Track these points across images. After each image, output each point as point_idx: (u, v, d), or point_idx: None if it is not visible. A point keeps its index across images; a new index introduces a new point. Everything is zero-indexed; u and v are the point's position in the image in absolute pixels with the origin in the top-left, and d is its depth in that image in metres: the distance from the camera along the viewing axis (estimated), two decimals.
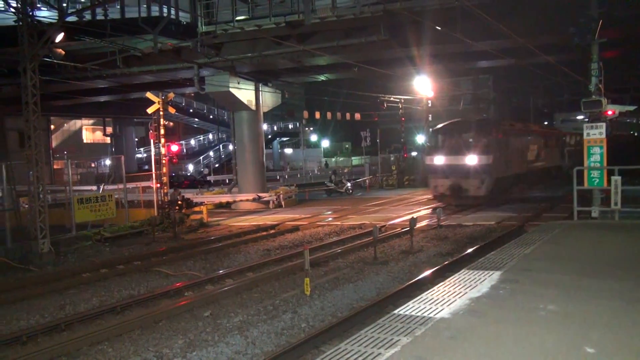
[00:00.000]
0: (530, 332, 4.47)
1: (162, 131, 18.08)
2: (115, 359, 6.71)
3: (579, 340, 4.28)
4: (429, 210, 18.74)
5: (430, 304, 5.37)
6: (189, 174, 40.52)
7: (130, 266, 12.00)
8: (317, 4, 15.47)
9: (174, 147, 18.66)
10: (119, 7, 17.47)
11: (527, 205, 19.33)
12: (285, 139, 58.89)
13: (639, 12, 13.99)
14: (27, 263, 12.37)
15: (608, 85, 13.68)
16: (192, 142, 50.93)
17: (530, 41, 15.41)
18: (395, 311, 5.26)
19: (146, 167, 39.45)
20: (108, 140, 44.40)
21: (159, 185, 17.95)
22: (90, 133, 47.51)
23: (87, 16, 15.30)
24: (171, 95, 19.21)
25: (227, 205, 22.74)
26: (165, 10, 17.40)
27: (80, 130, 46.12)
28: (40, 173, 13.05)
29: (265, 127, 34.74)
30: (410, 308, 5.28)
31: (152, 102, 17.99)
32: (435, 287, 6.07)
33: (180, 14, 18.12)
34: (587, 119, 13.75)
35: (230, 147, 33.70)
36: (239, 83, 21.40)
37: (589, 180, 12.44)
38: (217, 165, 45.66)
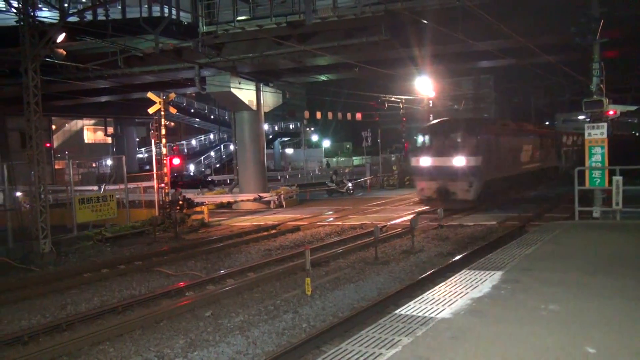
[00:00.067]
0: (532, 332, 4.46)
1: (163, 131, 18.10)
2: (117, 359, 6.71)
3: (580, 340, 4.28)
4: (430, 211, 18.71)
5: (432, 304, 5.37)
6: (192, 174, 40.54)
7: (131, 266, 12.01)
8: (318, 4, 15.47)
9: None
10: (120, 7, 17.50)
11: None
12: (286, 139, 58.91)
13: None
14: (29, 263, 12.38)
15: (609, 85, 13.66)
16: (193, 142, 50.97)
17: (531, 41, 15.40)
18: (397, 311, 5.26)
19: (147, 167, 39.47)
20: (109, 140, 44.44)
21: (163, 184, 17.98)
22: (92, 133, 47.56)
23: (89, 16, 15.31)
24: (172, 95, 19.23)
25: (228, 205, 22.74)
26: (166, 10, 17.41)
27: (81, 131, 46.17)
28: (42, 173, 13.06)
29: (266, 127, 34.74)
30: (412, 308, 5.28)
31: (153, 102, 18.01)
32: (436, 287, 6.07)
33: (182, 14, 18.13)
34: (588, 119, 13.74)
35: (231, 147, 33.70)
36: (240, 83, 21.41)
37: (590, 181, 12.42)
38: (218, 166, 45.69)
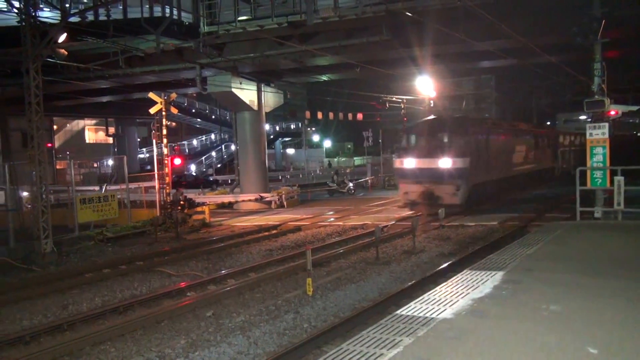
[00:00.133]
0: (533, 333, 4.46)
1: (164, 131, 18.11)
2: (118, 359, 6.72)
3: (581, 340, 4.27)
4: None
5: (433, 304, 5.36)
6: (194, 174, 40.56)
7: (132, 266, 12.02)
8: (320, 4, 15.46)
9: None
10: (121, 7, 17.49)
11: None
12: (287, 139, 58.91)
13: None
14: (30, 263, 12.39)
15: (611, 85, 13.64)
16: (195, 142, 51.01)
17: (533, 41, 15.38)
18: (398, 311, 5.26)
19: (148, 167, 39.51)
20: (110, 140, 44.49)
21: (166, 184, 18.01)
22: (93, 133, 47.62)
23: (90, 17, 15.29)
24: (173, 95, 19.25)
25: (229, 205, 22.76)
26: (167, 10, 17.40)
27: (82, 131, 46.23)
28: (43, 173, 13.08)
29: (267, 127, 34.74)
30: (413, 308, 5.28)
31: (155, 103, 18.02)
32: (437, 288, 6.07)
33: (183, 14, 18.10)
34: (589, 119, 13.73)
35: (233, 147, 33.70)
36: (241, 83, 21.41)
37: (591, 181, 12.41)
38: (219, 166, 45.73)
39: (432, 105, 31.08)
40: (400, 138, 19.81)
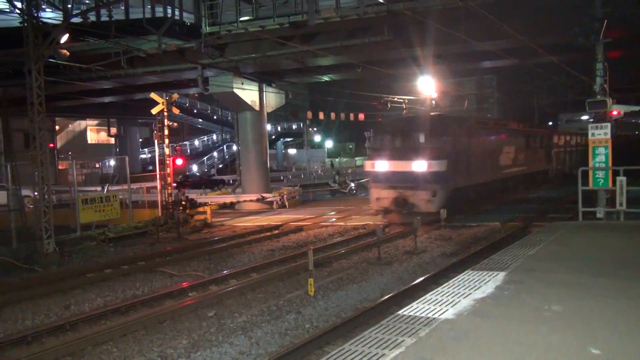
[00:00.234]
0: (535, 333, 4.45)
1: (166, 132, 18.12)
2: (120, 359, 6.73)
3: (583, 340, 4.27)
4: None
5: (435, 304, 5.36)
6: (199, 174, 40.64)
7: (134, 266, 12.03)
8: (321, 5, 15.46)
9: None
10: (123, 8, 17.51)
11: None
12: (288, 139, 58.91)
13: None
14: (32, 263, 12.41)
15: (613, 85, 13.62)
16: (196, 142, 51.07)
17: (534, 41, 15.37)
18: (400, 312, 5.26)
19: (150, 167, 39.57)
20: (112, 140, 44.58)
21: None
22: (95, 134, 47.69)
23: (92, 17, 15.32)
24: (175, 95, 19.27)
25: (231, 205, 22.77)
26: (169, 11, 17.42)
27: (84, 131, 46.30)
28: (45, 173, 13.10)
29: (268, 127, 34.74)
30: (415, 309, 5.28)
31: (156, 103, 18.04)
32: (439, 288, 6.07)
33: (184, 14, 18.11)
34: (592, 119, 13.71)
35: (234, 147, 33.74)
36: (242, 84, 21.43)
37: (593, 181, 12.40)
38: (220, 166, 45.77)
39: (433, 105, 31.05)
40: (373, 137, 18.44)
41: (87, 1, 20.75)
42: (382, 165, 16.11)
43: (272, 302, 8.64)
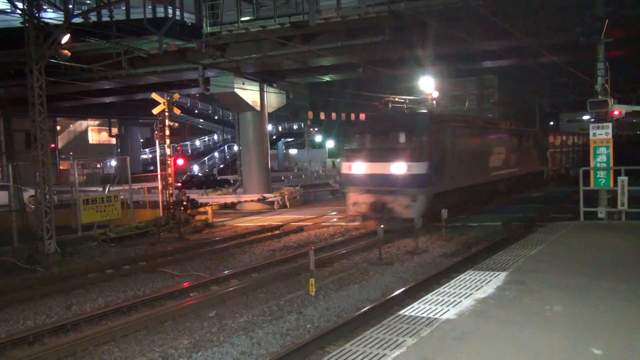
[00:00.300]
0: (537, 333, 4.45)
1: (167, 132, 18.14)
2: (121, 359, 6.73)
3: (585, 341, 4.26)
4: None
5: (436, 304, 5.36)
6: (204, 174, 40.71)
7: (135, 266, 12.03)
8: (322, 5, 15.47)
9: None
10: (124, 8, 17.55)
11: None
12: (289, 139, 58.89)
13: None
14: (34, 263, 12.42)
15: (614, 85, 13.60)
16: (197, 142, 51.10)
17: (536, 41, 15.36)
18: (401, 312, 5.26)
19: (151, 167, 39.61)
20: (113, 141, 44.63)
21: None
22: (96, 134, 47.74)
23: (93, 17, 15.37)
24: (176, 96, 19.28)
25: (232, 205, 22.77)
26: (170, 11, 17.45)
27: (86, 131, 46.36)
28: (47, 174, 13.11)
29: (269, 127, 34.74)
30: (416, 309, 5.28)
31: (158, 103, 18.05)
32: (440, 288, 6.07)
33: (185, 15, 18.15)
34: (593, 119, 13.69)
35: (235, 147, 33.72)
36: (243, 84, 21.43)
37: (595, 181, 12.39)
38: (221, 166, 45.79)
39: (434, 105, 31.04)
40: (349, 137, 17.20)
41: (88, 1, 20.79)
42: (358, 168, 14.93)
43: (273, 302, 8.64)
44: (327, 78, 23.87)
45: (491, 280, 6.19)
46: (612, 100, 12.55)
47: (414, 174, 13.90)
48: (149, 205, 19.80)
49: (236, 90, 21.15)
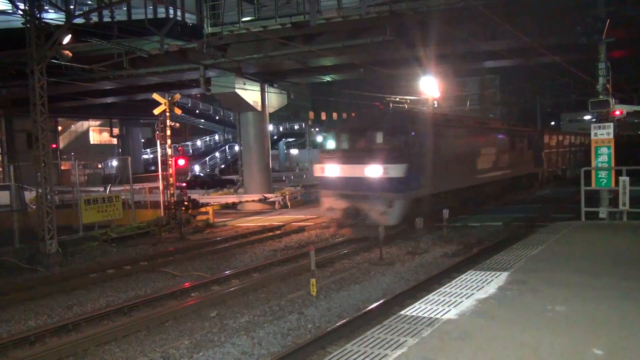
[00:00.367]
0: (538, 334, 4.44)
1: (168, 132, 18.15)
2: (123, 359, 6.74)
3: (587, 341, 4.25)
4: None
5: (437, 304, 5.35)
6: (209, 174, 40.74)
7: (137, 267, 12.04)
8: (323, 5, 15.46)
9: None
10: (125, 8, 17.57)
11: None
12: (291, 139, 58.90)
13: None
14: (35, 263, 12.44)
15: (616, 85, 13.59)
16: (199, 142, 51.14)
17: (537, 41, 15.34)
18: (402, 312, 5.26)
19: (152, 168, 39.64)
20: (115, 141, 44.66)
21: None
22: (97, 134, 47.81)
23: (94, 18, 15.38)
24: (177, 96, 19.29)
25: (233, 206, 22.78)
26: (171, 11, 17.47)
27: (87, 132, 46.42)
28: (48, 174, 13.13)
29: (270, 127, 34.75)
30: (417, 309, 5.27)
31: (159, 103, 18.06)
32: (441, 288, 6.06)
33: (187, 15, 18.19)
34: (594, 119, 13.68)
35: (236, 148, 33.75)
36: (244, 84, 21.45)
37: (596, 181, 12.37)
38: (222, 166, 45.80)
39: (435, 105, 31.02)
40: (324, 137, 16.51)
41: (89, 2, 20.80)
42: (332, 170, 13.92)
43: (275, 302, 8.63)
44: (328, 78, 23.87)
45: (492, 280, 6.18)
46: (614, 100, 12.53)
47: (391, 177, 12.85)
48: (150, 205, 19.81)
49: (237, 91, 21.16)
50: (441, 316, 4.96)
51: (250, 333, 7.17)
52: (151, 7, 17.62)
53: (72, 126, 45.14)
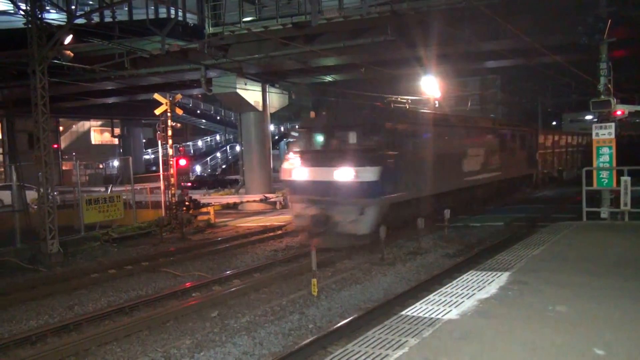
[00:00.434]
0: (539, 334, 4.44)
1: (169, 132, 18.16)
2: (124, 359, 6.74)
3: (588, 341, 4.25)
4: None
5: (438, 305, 5.35)
6: (213, 174, 40.75)
7: (138, 267, 12.05)
8: (324, 5, 15.46)
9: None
10: (126, 9, 17.58)
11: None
12: (292, 139, 58.86)
13: None
14: (36, 263, 12.45)
15: (617, 84, 13.57)
16: (200, 143, 51.15)
17: (538, 41, 15.32)
18: (403, 312, 5.26)
19: (154, 168, 39.66)
20: (116, 141, 44.69)
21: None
22: (99, 134, 47.85)
23: (96, 18, 15.40)
24: (178, 96, 19.31)
25: (234, 206, 22.77)
26: (172, 11, 17.49)
27: (88, 132, 46.47)
28: (50, 174, 13.14)
29: (272, 128, 34.69)
30: (418, 309, 5.27)
31: (160, 104, 18.08)
32: (443, 288, 6.06)
33: (188, 15, 18.19)
34: (596, 119, 13.67)
35: (237, 148, 33.75)
36: (245, 84, 21.45)
37: (597, 181, 12.36)
38: (224, 166, 45.80)
39: (437, 105, 30.99)
40: (292, 137, 14.84)
41: (90, 2, 20.82)
42: (300, 173, 12.67)
43: (276, 303, 8.64)
44: (329, 78, 23.86)
45: (494, 280, 6.18)
46: (615, 100, 12.52)
47: (363, 181, 11.55)
48: (152, 205, 19.83)
49: (238, 91, 21.17)
50: (442, 316, 4.96)
51: (251, 333, 7.17)
52: (152, 7, 17.64)
53: (74, 126, 45.19)
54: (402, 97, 27.38)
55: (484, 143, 17.97)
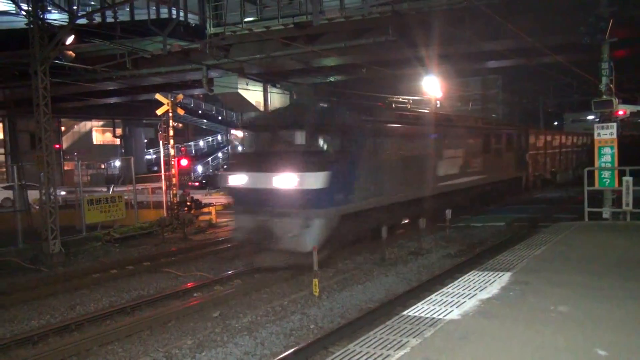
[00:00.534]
0: (541, 334, 4.43)
1: (171, 132, 18.18)
2: (125, 359, 6.75)
3: (590, 341, 4.24)
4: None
5: (440, 305, 5.35)
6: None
7: (139, 267, 12.06)
8: (326, 5, 15.47)
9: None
10: (128, 9, 17.61)
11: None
12: (233, 140, 58.72)
13: None
14: (38, 263, 12.47)
15: (619, 84, 13.55)
16: (201, 143, 51.18)
17: (540, 41, 15.31)
18: (405, 312, 5.25)
19: (155, 168, 39.71)
20: (117, 141, 44.75)
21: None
22: (100, 134, 47.92)
23: (97, 18, 15.42)
24: (180, 96, 19.34)
25: None
26: (174, 12, 17.51)
27: (90, 132, 46.55)
28: (51, 174, 13.16)
29: None
30: (420, 309, 5.27)
31: (162, 104, 18.10)
32: (444, 289, 6.05)
33: (189, 15, 18.21)
34: (597, 119, 13.65)
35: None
36: (247, 84, 21.46)
37: (599, 181, 12.34)
38: (225, 167, 45.81)
39: (438, 105, 30.96)
40: (233, 139, 12.69)
41: (92, 2, 20.84)
42: (238, 179, 10.96)
43: (277, 303, 8.64)
44: (330, 78, 23.86)
45: (495, 280, 6.17)
46: (617, 100, 12.51)
47: (308, 188, 9.93)
48: (153, 205, 19.85)
49: (240, 91, 21.18)
50: (444, 316, 4.96)
51: (252, 333, 7.17)
52: (154, 8, 17.65)
53: (75, 126, 45.27)
54: (403, 97, 27.29)
55: (464, 144, 16.37)
